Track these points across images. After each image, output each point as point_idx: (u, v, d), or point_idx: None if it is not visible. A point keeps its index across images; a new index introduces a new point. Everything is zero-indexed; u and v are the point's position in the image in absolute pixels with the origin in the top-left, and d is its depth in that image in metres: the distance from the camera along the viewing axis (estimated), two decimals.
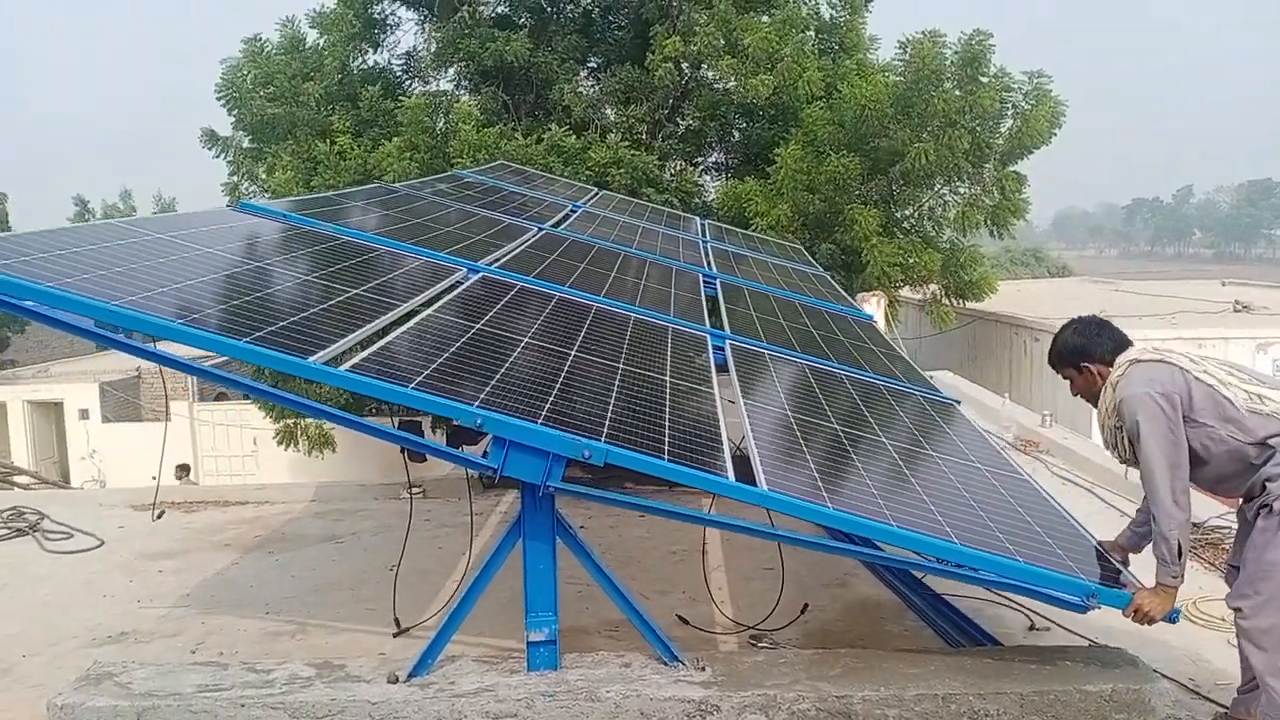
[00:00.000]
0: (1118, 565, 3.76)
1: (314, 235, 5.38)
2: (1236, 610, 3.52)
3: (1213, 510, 5.87)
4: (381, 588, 5.46)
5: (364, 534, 6.63)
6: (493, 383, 3.69)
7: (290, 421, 15.92)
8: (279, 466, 19.21)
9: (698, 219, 12.63)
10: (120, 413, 23.37)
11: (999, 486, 4.39)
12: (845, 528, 3.53)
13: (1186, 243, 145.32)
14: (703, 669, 3.78)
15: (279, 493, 7.81)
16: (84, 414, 22.51)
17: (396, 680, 3.74)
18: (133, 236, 4.28)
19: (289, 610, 5.22)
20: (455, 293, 4.94)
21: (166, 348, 3.94)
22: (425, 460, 19.43)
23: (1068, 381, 3.87)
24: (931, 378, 12.35)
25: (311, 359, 3.37)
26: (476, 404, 3.40)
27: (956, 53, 14.47)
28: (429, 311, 4.45)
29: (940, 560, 3.54)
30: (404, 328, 4.12)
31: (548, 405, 3.64)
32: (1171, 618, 3.50)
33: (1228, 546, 5.44)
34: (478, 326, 4.41)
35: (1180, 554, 3.44)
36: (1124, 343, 3.75)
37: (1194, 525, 5.89)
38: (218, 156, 17.25)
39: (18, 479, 18.56)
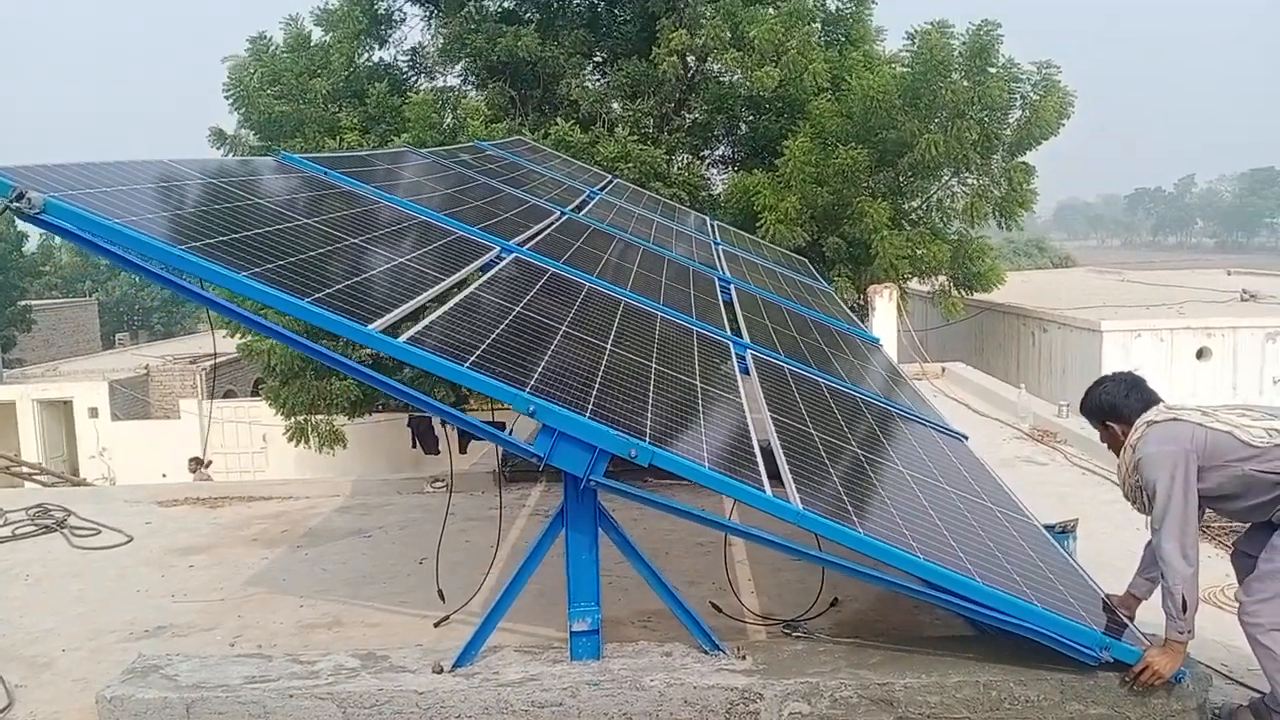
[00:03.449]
0: (1124, 619, 3.84)
1: (354, 196, 5.52)
2: (1240, 603, 3.63)
3: None
4: (413, 581, 5.52)
5: (391, 528, 6.67)
6: (539, 370, 3.74)
7: (302, 419, 15.98)
8: (288, 463, 19.30)
9: (707, 218, 12.66)
10: (129, 411, 23.45)
11: (1010, 528, 4.45)
12: (876, 554, 3.55)
13: (1189, 232, 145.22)
14: (743, 657, 3.83)
15: (302, 488, 7.85)
16: (93, 412, 22.60)
17: (442, 670, 3.79)
18: (188, 179, 4.45)
19: (323, 603, 5.26)
20: (491, 272, 5.01)
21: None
22: (439, 454, 19.38)
23: (1100, 429, 3.98)
24: (944, 369, 12.47)
25: (370, 327, 3.41)
26: (527, 390, 3.44)
27: (964, 43, 14.51)
28: (471, 289, 4.52)
29: (965, 599, 3.56)
30: (450, 304, 4.17)
31: (592, 399, 3.69)
32: (1177, 677, 3.55)
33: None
34: (517, 310, 4.46)
35: (1186, 609, 3.51)
36: (1152, 402, 3.82)
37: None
38: (226, 155, 17.30)
39: (40, 478, 18.65)
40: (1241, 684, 3.92)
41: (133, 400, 23.86)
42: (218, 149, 17.43)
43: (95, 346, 37.43)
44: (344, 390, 15.24)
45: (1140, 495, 3.70)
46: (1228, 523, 5.82)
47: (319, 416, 15.89)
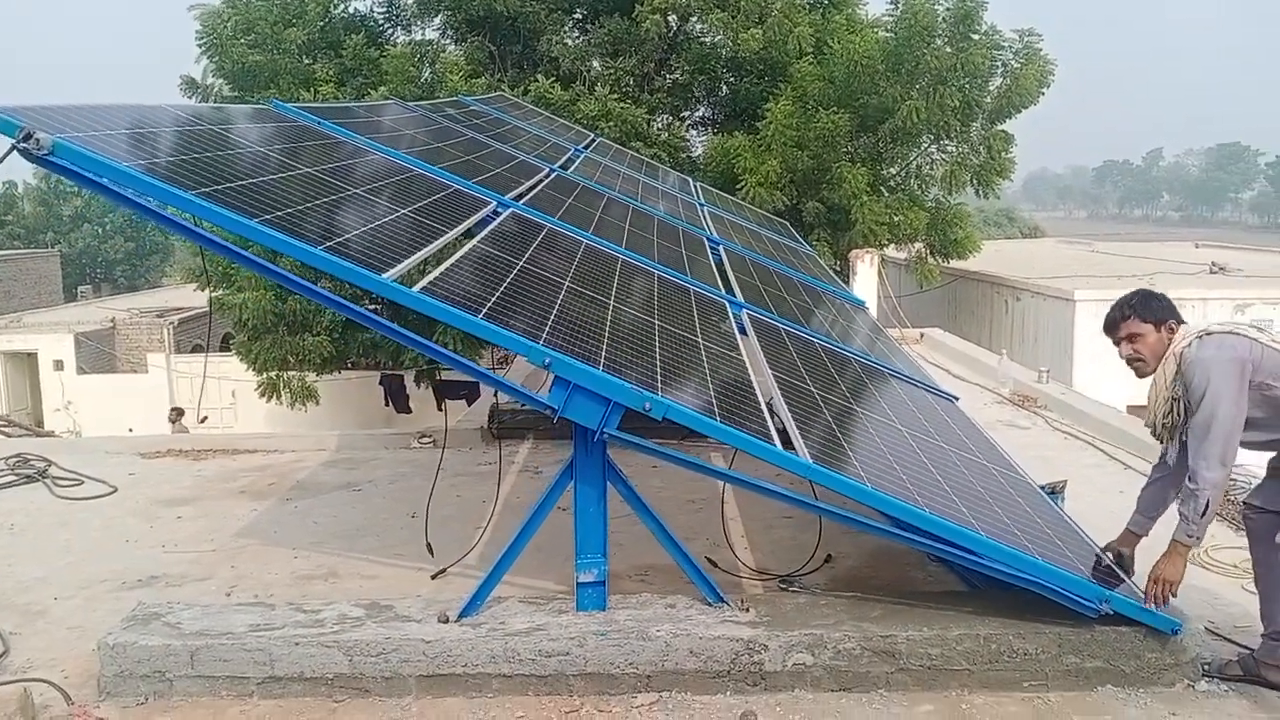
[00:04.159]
0: (1121, 575, 3.91)
1: (351, 147, 5.48)
2: None
3: None
4: (406, 534, 5.52)
5: (380, 482, 6.66)
6: (549, 324, 3.73)
7: (274, 375, 15.84)
8: (256, 419, 19.15)
9: (690, 179, 12.63)
10: (95, 364, 23.13)
11: (1007, 485, 4.54)
12: (885, 508, 3.62)
13: (1154, 205, 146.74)
14: (747, 610, 3.87)
15: (287, 441, 7.80)
16: (58, 365, 22.28)
17: (448, 620, 3.81)
18: (190, 125, 4.44)
19: (317, 555, 5.25)
20: (491, 226, 4.98)
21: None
22: (410, 412, 19.24)
23: (1124, 342, 3.79)
24: (922, 334, 12.56)
25: (385, 276, 3.39)
26: (541, 342, 3.44)
27: (949, 9, 14.46)
28: (474, 243, 4.50)
29: (971, 552, 3.62)
30: (457, 256, 4.16)
31: (604, 353, 3.69)
32: (1173, 630, 3.63)
33: (1233, 498, 5.61)
34: (520, 264, 4.44)
35: (1205, 513, 3.55)
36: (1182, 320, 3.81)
37: None
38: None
39: (6, 430, 18.39)
40: (1229, 640, 4.02)
41: (98, 353, 23.54)
42: (189, 98, 17.12)
43: (57, 298, 36.82)
44: (316, 346, 15.11)
45: (1174, 409, 3.64)
46: None
47: (291, 372, 15.76)
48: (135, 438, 9.53)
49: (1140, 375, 3.85)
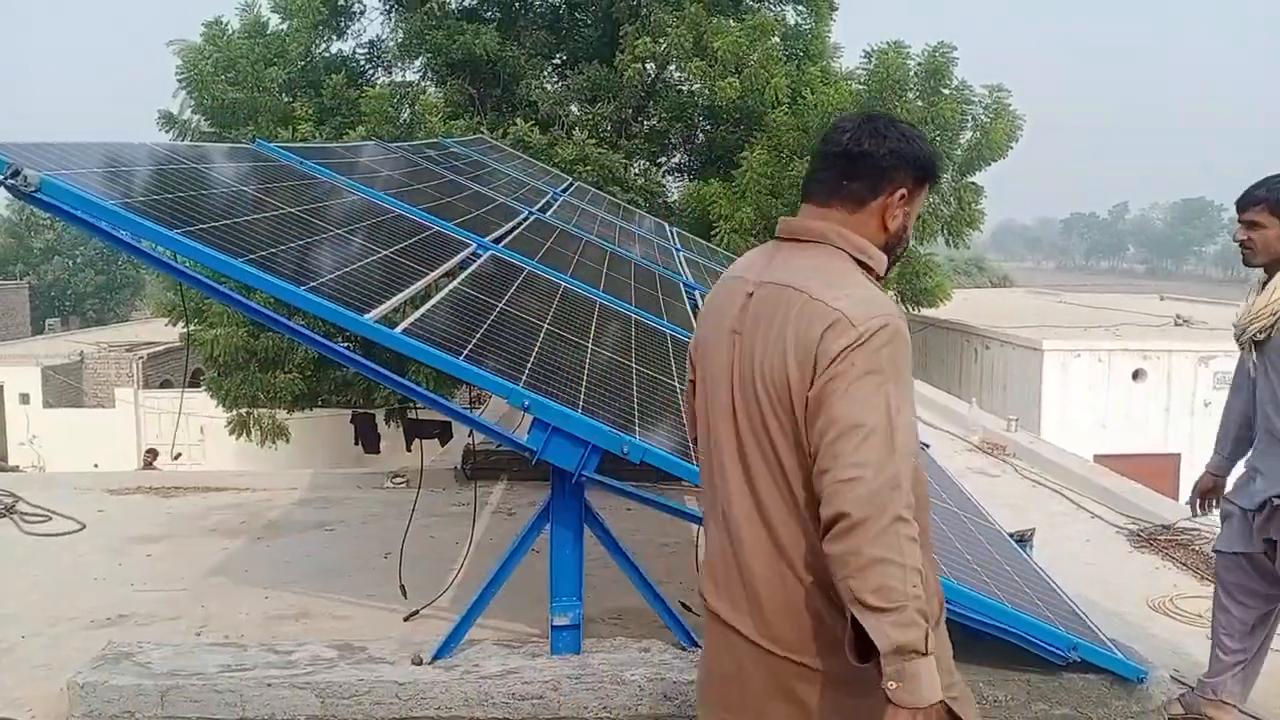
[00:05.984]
0: (1092, 625, 3.96)
1: (331, 188, 5.52)
2: None
3: (1181, 514, 6.13)
4: (379, 575, 5.49)
5: (352, 522, 6.63)
6: (529, 366, 3.77)
7: (244, 411, 15.75)
8: (225, 456, 19.00)
9: (666, 224, 12.76)
10: (62, 398, 22.88)
11: (976, 533, 4.59)
12: None
13: (1120, 258, 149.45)
14: None
15: (259, 479, 7.75)
16: (24, 398, 22.04)
17: (421, 662, 3.80)
18: (174, 163, 4.46)
19: (289, 595, 5.21)
20: (471, 268, 5.01)
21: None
22: (380, 452, 19.12)
23: (1245, 226, 3.59)
24: None
25: (366, 317, 3.43)
26: (521, 384, 3.48)
27: (920, 64, 14.81)
28: (454, 284, 4.53)
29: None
30: (437, 297, 4.20)
31: (582, 396, 3.73)
32: (1139, 678, 3.64)
33: (1198, 548, 5.72)
34: (500, 306, 4.48)
35: None
36: None
37: (1164, 527, 6.19)
38: (176, 140, 17.02)
39: None
40: (1193, 687, 4.07)
41: (66, 387, 23.29)
42: (166, 133, 17.14)
43: (25, 331, 36.47)
44: (288, 384, 15.05)
45: (1276, 325, 3.50)
46: (1172, 538, 6.02)
47: (262, 410, 15.67)
48: (104, 473, 9.45)
49: (1245, 263, 3.69)
